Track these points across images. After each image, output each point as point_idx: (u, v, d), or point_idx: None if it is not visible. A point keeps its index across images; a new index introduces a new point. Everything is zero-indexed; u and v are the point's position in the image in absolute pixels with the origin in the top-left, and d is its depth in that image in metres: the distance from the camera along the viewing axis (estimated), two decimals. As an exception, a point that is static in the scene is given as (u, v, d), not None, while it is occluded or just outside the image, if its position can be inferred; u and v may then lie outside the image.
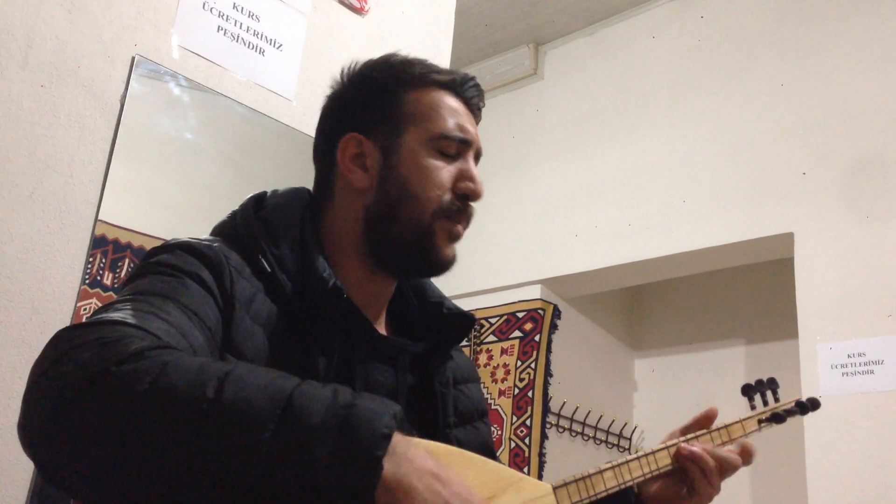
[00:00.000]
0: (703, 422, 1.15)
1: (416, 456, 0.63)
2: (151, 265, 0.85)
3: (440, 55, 2.41)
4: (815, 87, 3.16)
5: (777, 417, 1.19)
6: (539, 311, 3.77)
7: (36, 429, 0.64)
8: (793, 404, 1.22)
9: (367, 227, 0.97)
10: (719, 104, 3.42)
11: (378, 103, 1.00)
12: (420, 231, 0.95)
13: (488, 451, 1.07)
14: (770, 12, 3.40)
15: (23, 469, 1.46)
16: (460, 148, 0.98)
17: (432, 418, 0.99)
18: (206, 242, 0.89)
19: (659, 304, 4.35)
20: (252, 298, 0.87)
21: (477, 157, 1.02)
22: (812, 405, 1.22)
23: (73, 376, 0.63)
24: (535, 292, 3.81)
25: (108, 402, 0.61)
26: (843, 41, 3.14)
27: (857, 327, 2.80)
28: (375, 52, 2.45)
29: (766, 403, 1.23)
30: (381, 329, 1.02)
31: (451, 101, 1.00)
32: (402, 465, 0.62)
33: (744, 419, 1.19)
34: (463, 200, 0.97)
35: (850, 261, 2.89)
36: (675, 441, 1.09)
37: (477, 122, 1.04)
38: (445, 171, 0.97)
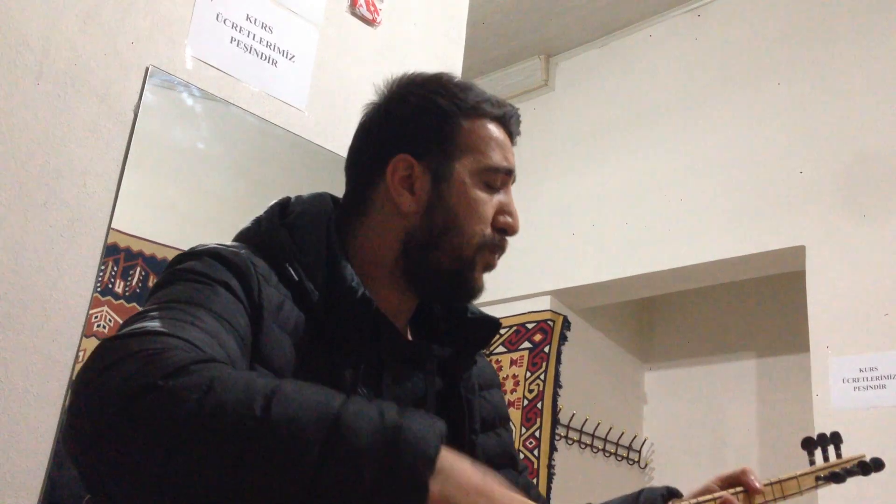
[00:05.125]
0: (737, 479, 1.08)
1: (462, 474, 0.63)
2: (179, 272, 0.84)
3: (452, 66, 2.42)
4: (827, 99, 3.15)
5: (836, 477, 1.12)
6: (549, 322, 3.77)
7: (81, 440, 0.64)
8: (855, 464, 1.15)
9: (405, 250, 0.97)
10: (730, 115, 3.42)
11: (434, 128, 0.99)
12: (461, 261, 0.96)
13: (510, 457, 1.07)
14: (780, 23, 3.39)
15: (34, 476, 1.47)
16: (504, 179, 1.00)
17: (458, 424, 0.99)
18: (233, 249, 0.89)
19: (669, 316, 4.34)
20: (280, 306, 0.87)
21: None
22: (875, 466, 1.15)
23: (120, 389, 0.63)
24: (544, 303, 3.80)
25: (154, 418, 0.61)
26: (856, 51, 3.14)
27: (869, 341, 2.79)
28: (387, 64, 2.46)
29: (826, 459, 1.15)
30: (406, 335, 1.02)
31: (499, 134, 1.02)
32: (448, 485, 0.62)
33: (800, 475, 1.12)
34: (501, 234, 0.99)
35: (863, 275, 2.87)
36: (721, 493, 1.04)
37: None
38: (489, 206, 0.98)
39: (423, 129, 0.99)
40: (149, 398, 0.61)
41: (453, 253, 0.96)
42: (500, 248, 1.00)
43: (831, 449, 1.16)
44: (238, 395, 0.61)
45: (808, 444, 1.16)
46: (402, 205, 0.97)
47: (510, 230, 1.00)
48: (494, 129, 1.01)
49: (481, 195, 0.98)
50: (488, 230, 0.97)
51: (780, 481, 1.09)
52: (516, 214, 1.01)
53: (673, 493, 1.08)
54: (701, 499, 1.01)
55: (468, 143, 0.98)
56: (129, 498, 0.63)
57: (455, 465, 0.63)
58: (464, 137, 0.99)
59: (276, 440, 0.59)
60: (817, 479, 1.13)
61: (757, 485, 1.06)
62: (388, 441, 0.60)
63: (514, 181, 1.04)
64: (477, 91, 1.03)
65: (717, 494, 1.03)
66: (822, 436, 1.17)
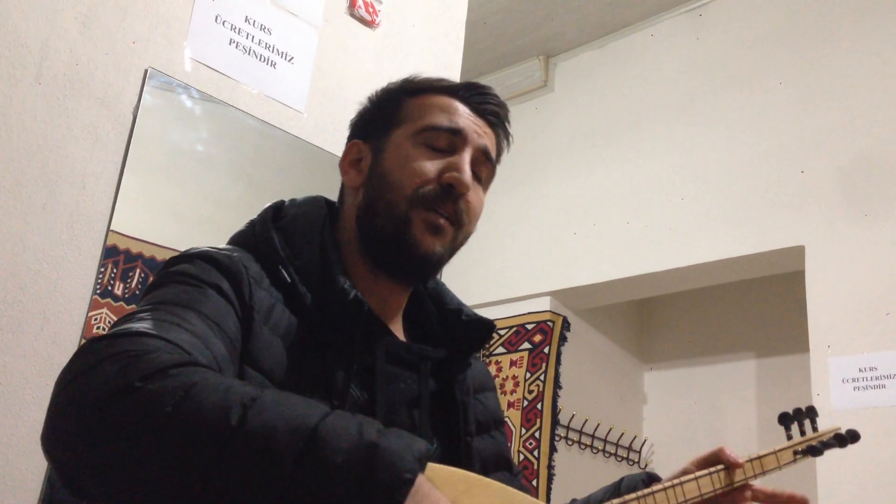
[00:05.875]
0: (716, 457, 1.08)
1: (437, 501, 0.62)
2: (171, 275, 0.85)
3: (451, 67, 2.42)
4: (827, 99, 3.15)
5: (814, 450, 1.13)
6: (548, 322, 3.77)
7: (59, 440, 0.64)
8: (831, 436, 1.16)
9: (358, 225, 0.98)
10: (730, 115, 3.42)
11: (379, 110, 1.02)
12: (397, 220, 0.94)
13: (504, 460, 1.07)
14: (780, 22, 3.39)
15: (34, 478, 1.47)
16: (452, 141, 0.97)
17: (453, 426, 0.98)
18: (226, 252, 0.89)
19: (669, 316, 4.34)
20: (271, 309, 0.87)
21: (487, 159, 1.00)
22: (851, 438, 1.15)
23: (99, 390, 0.62)
24: (544, 304, 3.80)
25: (131, 420, 0.61)
26: (856, 51, 3.14)
27: (868, 341, 2.79)
28: (386, 65, 2.46)
29: (803, 433, 1.16)
30: (400, 336, 1.01)
31: (450, 102, 0.99)
32: None
33: (778, 450, 1.12)
34: (448, 189, 0.95)
35: (862, 275, 2.87)
36: (714, 469, 1.05)
37: (495, 131, 1.02)
38: (430, 163, 0.95)
39: (372, 114, 1.03)
40: (126, 400, 0.61)
41: (388, 213, 0.94)
42: (444, 205, 0.94)
43: (807, 423, 1.16)
44: (215, 402, 0.60)
45: (784, 419, 1.17)
46: (349, 182, 1.00)
47: (457, 184, 0.94)
48: (441, 98, 1.00)
49: (418, 154, 0.96)
50: (429, 186, 0.94)
51: (759, 457, 1.09)
52: (465, 170, 0.95)
53: (653, 478, 1.08)
54: (683, 479, 1.02)
55: (408, 114, 0.99)
56: (106, 499, 0.63)
57: (431, 491, 0.62)
58: (405, 111, 1.00)
59: (250, 450, 0.58)
60: (795, 453, 1.13)
61: (738, 460, 1.06)
62: (363, 459, 0.58)
63: (486, 155, 0.99)
64: (438, 78, 1.03)
65: (698, 473, 1.03)
66: (797, 410, 1.17)
